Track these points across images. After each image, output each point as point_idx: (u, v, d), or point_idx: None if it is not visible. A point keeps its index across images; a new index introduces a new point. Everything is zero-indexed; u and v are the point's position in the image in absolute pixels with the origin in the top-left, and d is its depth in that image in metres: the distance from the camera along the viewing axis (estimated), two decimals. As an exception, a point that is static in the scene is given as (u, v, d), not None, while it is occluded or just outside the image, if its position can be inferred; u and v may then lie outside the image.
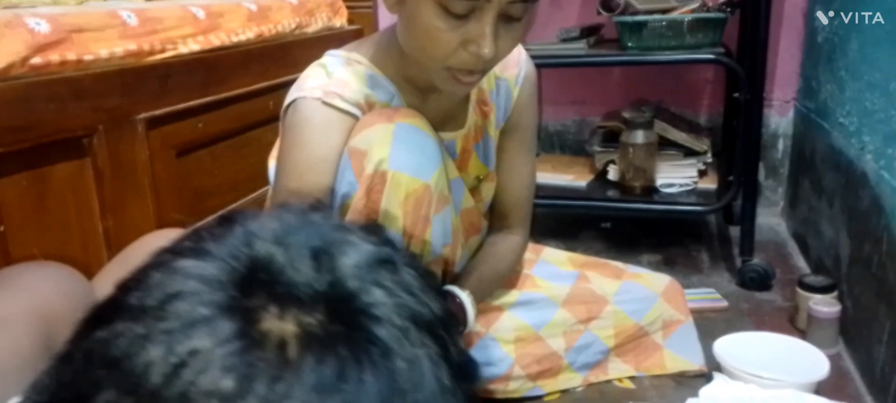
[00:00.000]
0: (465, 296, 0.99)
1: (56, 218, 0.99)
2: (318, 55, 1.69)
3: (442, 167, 0.88)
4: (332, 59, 0.94)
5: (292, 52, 1.57)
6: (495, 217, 1.13)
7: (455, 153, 1.02)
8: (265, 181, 1.47)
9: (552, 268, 1.21)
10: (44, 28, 0.94)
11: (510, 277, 1.17)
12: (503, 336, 1.15)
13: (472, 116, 1.03)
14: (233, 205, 1.38)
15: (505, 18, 0.81)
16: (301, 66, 1.58)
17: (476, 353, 1.12)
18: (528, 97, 1.09)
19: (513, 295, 1.17)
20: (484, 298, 1.08)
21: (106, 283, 0.67)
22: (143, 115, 1.11)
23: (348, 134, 0.87)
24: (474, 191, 1.06)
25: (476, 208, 1.07)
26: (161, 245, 0.72)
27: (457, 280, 1.02)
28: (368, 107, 0.90)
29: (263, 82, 1.44)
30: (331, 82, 0.90)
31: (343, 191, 0.86)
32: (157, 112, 1.14)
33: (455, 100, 1.00)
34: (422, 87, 0.96)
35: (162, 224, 1.17)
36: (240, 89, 1.36)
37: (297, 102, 0.89)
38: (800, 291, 1.33)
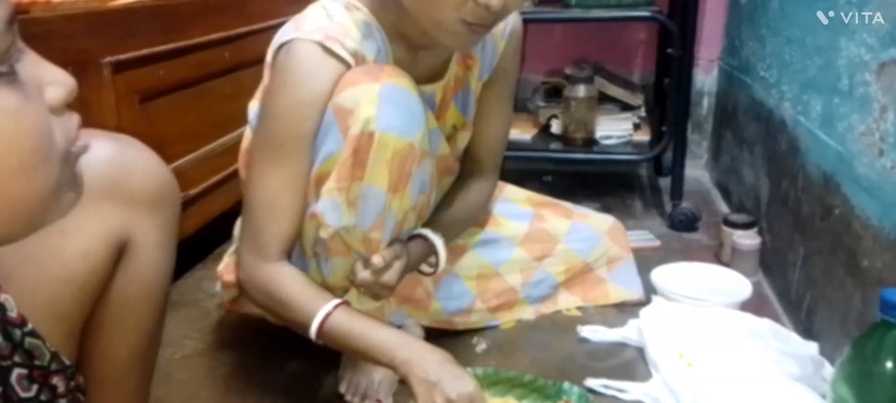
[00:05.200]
0: (437, 239, 1.06)
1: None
2: (270, 9, 1.70)
3: (425, 125, 0.92)
4: (332, 3, 0.94)
5: (246, 4, 1.58)
6: (469, 162, 1.19)
7: (434, 104, 1.06)
8: (223, 132, 1.50)
9: (512, 207, 1.30)
10: (11, -34, 0.94)
11: (479, 218, 1.24)
12: (466, 274, 1.23)
13: (454, 68, 1.06)
14: (193, 155, 1.39)
15: None
16: (254, 19, 1.61)
17: (442, 289, 1.20)
18: (513, 50, 1.12)
19: (477, 235, 1.25)
20: (454, 239, 1.15)
21: None
22: (108, 59, 1.11)
23: (338, 80, 0.88)
24: (450, 139, 1.11)
25: (451, 153, 1.13)
26: None
27: (430, 223, 1.08)
28: (360, 59, 0.92)
29: (220, 32, 1.44)
30: (332, 26, 0.90)
31: (329, 147, 0.89)
32: (122, 56, 1.14)
33: (444, 55, 1.03)
34: (415, 44, 0.98)
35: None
36: (197, 39, 1.36)
37: (292, 43, 0.89)
38: (724, 228, 1.48)
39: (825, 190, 1.11)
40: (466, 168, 1.19)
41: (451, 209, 1.14)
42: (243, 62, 1.52)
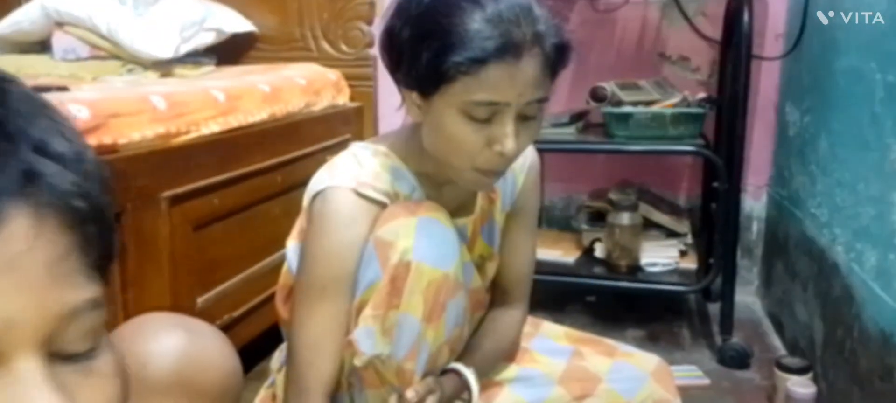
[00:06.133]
0: (469, 373, 1.05)
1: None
2: (323, 132, 1.77)
3: (459, 256, 0.95)
4: (362, 151, 1.00)
5: (300, 130, 1.65)
6: (498, 292, 1.20)
7: (466, 236, 1.09)
8: (271, 252, 1.54)
9: (549, 343, 1.27)
10: (85, 114, 1.01)
11: (511, 351, 1.23)
12: None
13: (480, 202, 1.11)
14: (242, 275, 1.42)
15: (521, 118, 0.89)
16: (307, 142, 1.69)
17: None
18: (531, 184, 1.17)
19: (512, 371, 1.23)
20: (487, 373, 1.13)
21: None
22: (166, 194, 1.16)
23: (374, 221, 0.93)
24: (479, 269, 1.13)
25: (482, 286, 1.14)
26: (151, 327, 0.73)
27: (461, 356, 1.08)
28: (394, 197, 0.97)
29: (273, 159, 1.51)
30: (362, 172, 0.95)
31: (369, 277, 0.92)
32: (180, 190, 1.20)
33: (470, 192, 1.08)
34: (439, 181, 1.03)
35: (176, 295, 1.22)
36: (253, 166, 1.42)
37: (327, 191, 0.94)
38: (777, 372, 1.41)
39: (884, 348, 1.06)
40: (495, 299, 1.20)
41: (483, 342, 1.13)
42: (295, 184, 1.57)
